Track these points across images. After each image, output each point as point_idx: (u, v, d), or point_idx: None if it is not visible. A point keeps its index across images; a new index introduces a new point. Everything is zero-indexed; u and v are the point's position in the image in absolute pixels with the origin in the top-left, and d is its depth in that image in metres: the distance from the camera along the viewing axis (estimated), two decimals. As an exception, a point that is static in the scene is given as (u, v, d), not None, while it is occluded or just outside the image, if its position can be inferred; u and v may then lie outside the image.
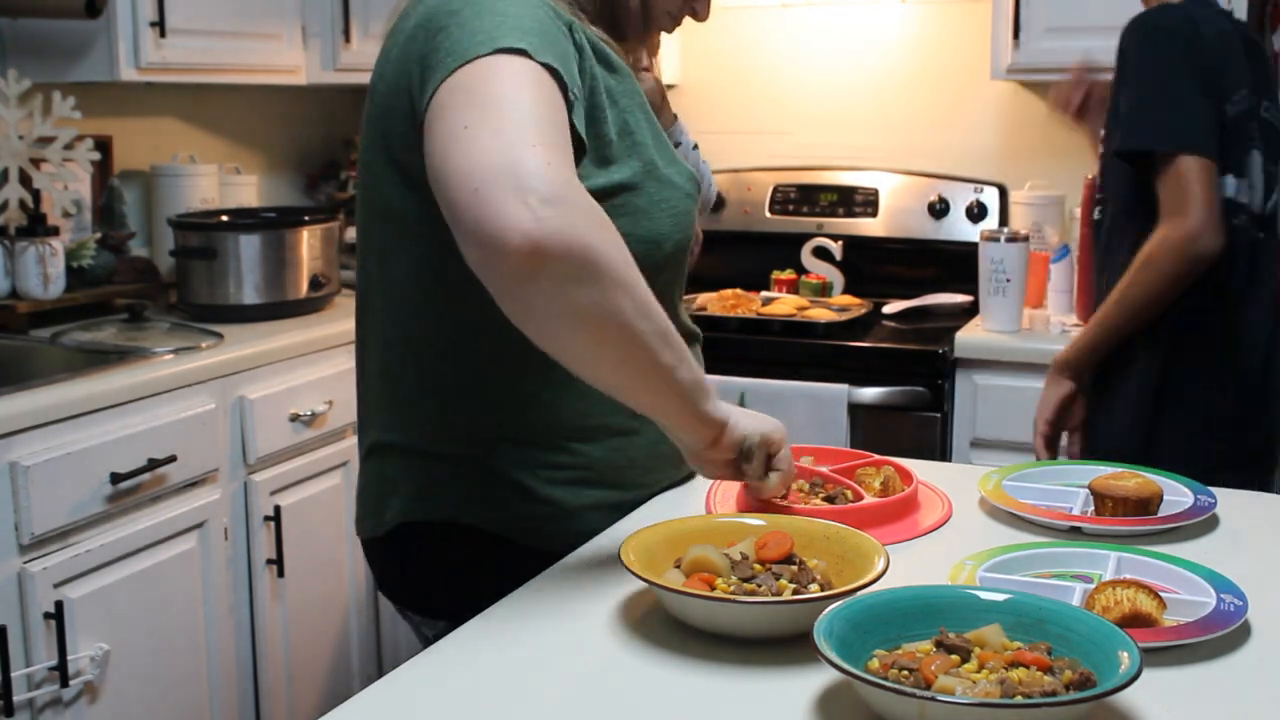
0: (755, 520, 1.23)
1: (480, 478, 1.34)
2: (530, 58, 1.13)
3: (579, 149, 1.18)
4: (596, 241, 1.07)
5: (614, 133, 1.29)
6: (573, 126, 1.16)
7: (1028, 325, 2.73)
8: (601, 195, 1.24)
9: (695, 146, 2.27)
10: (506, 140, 1.06)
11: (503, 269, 1.06)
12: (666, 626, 1.09)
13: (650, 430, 1.38)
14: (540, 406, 1.32)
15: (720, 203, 3.30)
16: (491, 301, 1.10)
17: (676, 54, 3.34)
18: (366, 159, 1.34)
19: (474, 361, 1.31)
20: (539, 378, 1.30)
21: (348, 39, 3.02)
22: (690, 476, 1.52)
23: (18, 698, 1.91)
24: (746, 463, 1.29)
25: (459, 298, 1.25)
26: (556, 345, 1.13)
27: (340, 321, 2.67)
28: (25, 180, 2.49)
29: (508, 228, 1.03)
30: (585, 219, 1.07)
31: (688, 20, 1.50)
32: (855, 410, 2.65)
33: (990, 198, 3.11)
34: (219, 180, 3.00)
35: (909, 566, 1.21)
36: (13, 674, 1.90)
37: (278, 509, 2.42)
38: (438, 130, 1.11)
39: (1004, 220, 3.11)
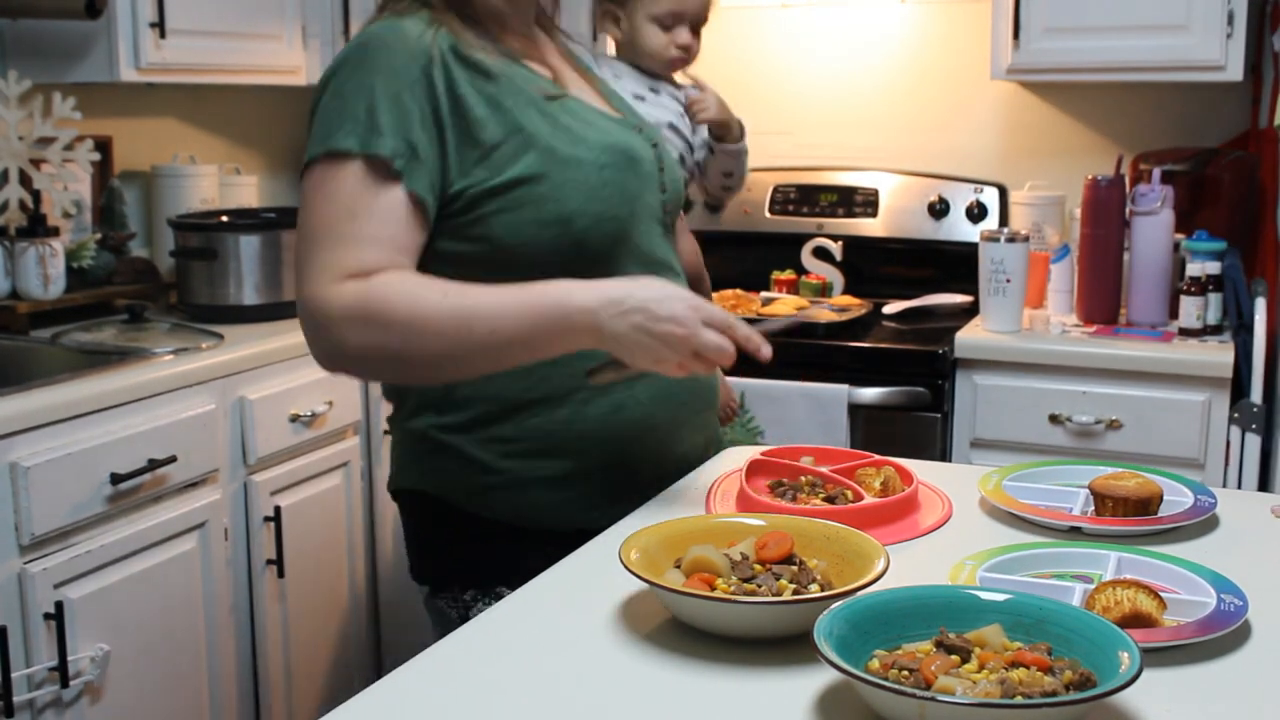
0: (755, 520, 1.23)
1: (442, 453, 1.44)
2: (354, 156, 1.33)
3: (422, 205, 1.36)
4: (356, 347, 1.31)
5: (499, 135, 1.37)
6: (412, 193, 1.34)
7: (1028, 325, 2.73)
8: (499, 192, 1.37)
9: (707, 145, 2.31)
10: (298, 283, 1.34)
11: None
12: (666, 626, 1.09)
13: (600, 401, 1.43)
14: (485, 382, 1.40)
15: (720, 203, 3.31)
16: None
17: (676, 54, 3.34)
18: None
19: None
20: None
21: (348, 39, 3.02)
22: (681, 458, 1.53)
23: (18, 698, 1.91)
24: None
25: None
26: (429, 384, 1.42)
27: (340, 322, 2.67)
28: (25, 181, 2.49)
29: (314, 357, 1.36)
30: (343, 334, 1.31)
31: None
32: (855, 410, 2.65)
33: (990, 198, 3.11)
34: (219, 181, 3.00)
35: (909, 566, 1.21)
36: (13, 674, 1.90)
37: (278, 509, 2.42)
38: None
39: (1004, 220, 3.11)
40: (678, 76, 2.40)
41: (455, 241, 1.39)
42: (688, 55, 2.32)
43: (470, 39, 1.41)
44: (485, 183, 1.37)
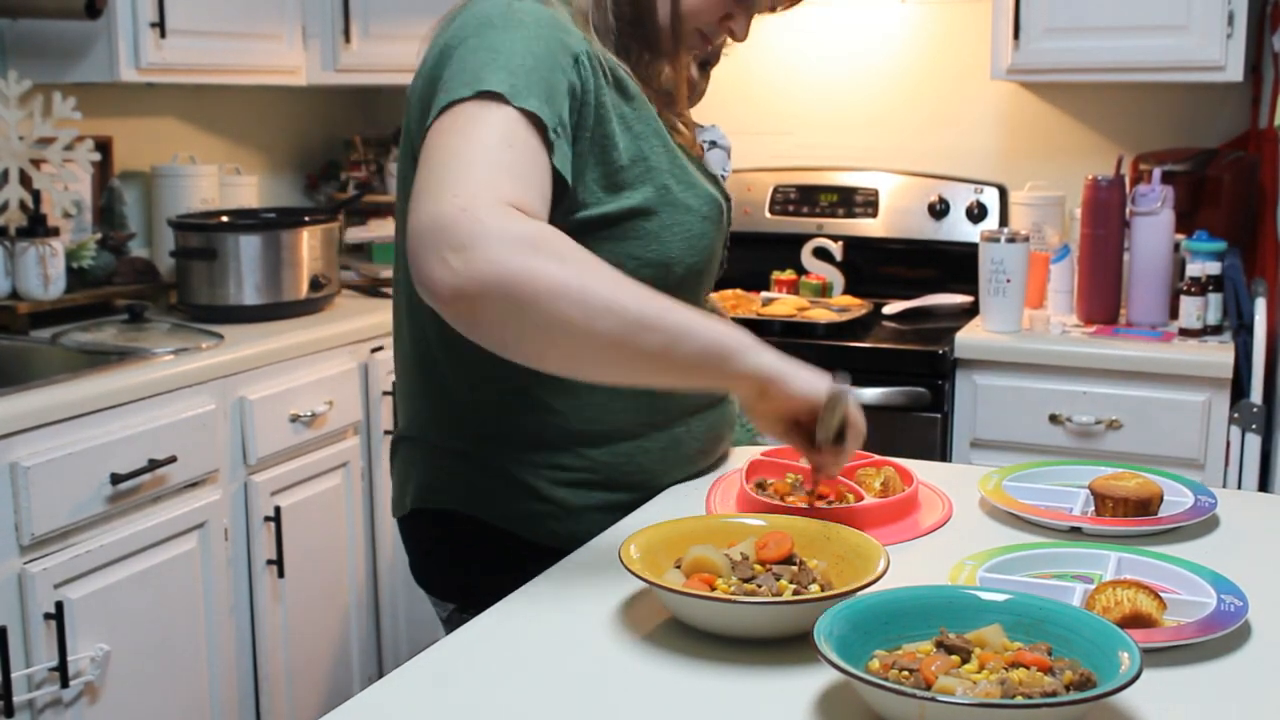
0: (755, 520, 1.23)
1: (486, 475, 1.38)
2: (507, 103, 1.18)
3: (561, 187, 1.23)
4: (515, 270, 1.10)
5: (626, 159, 1.31)
6: (556, 170, 1.21)
7: (1028, 326, 2.73)
8: (612, 220, 1.30)
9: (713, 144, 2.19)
10: (436, 197, 1.13)
11: (448, 316, 1.14)
12: (666, 626, 1.09)
13: (663, 437, 1.41)
14: (551, 413, 1.36)
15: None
16: None
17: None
18: (402, 165, 1.36)
19: (486, 369, 1.31)
20: (552, 385, 1.33)
21: (348, 39, 3.02)
22: (699, 474, 1.52)
23: (18, 698, 1.91)
24: (822, 422, 1.27)
25: None
26: (534, 365, 1.19)
27: (340, 322, 2.67)
28: (25, 181, 2.49)
29: (433, 283, 1.11)
30: (502, 252, 1.10)
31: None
32: (855, 410, 2.65)
33: (990, 198, 3.11)
34: (219, 181, 3.00)
35: (909, 566, 1.21)
36: (13, 674, 1.90)
37: (278, 509, 2.42)
38: (413, 188, 1.18)
39: (1004, 221, 3.11)
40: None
41: None
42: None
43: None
44: (601, 205, 1.30)
